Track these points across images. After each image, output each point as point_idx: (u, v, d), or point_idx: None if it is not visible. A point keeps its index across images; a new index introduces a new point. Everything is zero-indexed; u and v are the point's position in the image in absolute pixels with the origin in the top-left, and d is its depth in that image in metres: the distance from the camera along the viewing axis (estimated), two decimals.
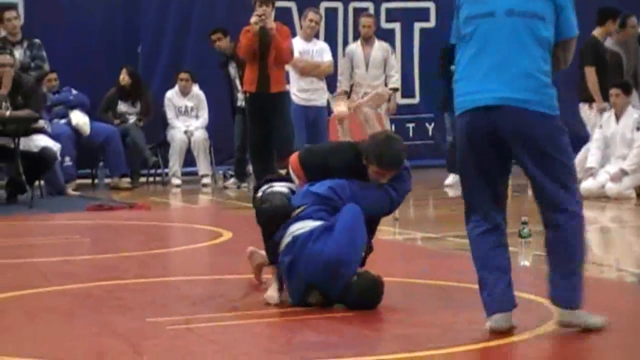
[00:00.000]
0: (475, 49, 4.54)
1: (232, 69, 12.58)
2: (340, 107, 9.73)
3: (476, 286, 5.73)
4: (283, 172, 5.73)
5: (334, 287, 5.16)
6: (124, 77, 12.94)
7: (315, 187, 5.42)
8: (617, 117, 10.51)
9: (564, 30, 4.62)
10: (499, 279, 4.65)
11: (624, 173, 10.28)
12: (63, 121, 12.59)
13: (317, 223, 5.25)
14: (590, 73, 11.23)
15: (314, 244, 5.17)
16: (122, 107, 13.07)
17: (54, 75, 12.79)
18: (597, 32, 11.55)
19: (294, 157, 5.63)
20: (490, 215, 4.68)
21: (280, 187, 5.53)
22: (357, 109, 11.14)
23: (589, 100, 11.22)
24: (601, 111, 11.09)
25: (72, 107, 12.74)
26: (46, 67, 12.37)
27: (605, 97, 10.98)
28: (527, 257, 6.53)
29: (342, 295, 5.18)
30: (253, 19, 10.83)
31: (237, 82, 12.35)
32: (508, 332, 4.57)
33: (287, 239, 5.27)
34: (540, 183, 4.60)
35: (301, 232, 5.23)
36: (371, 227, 5.43)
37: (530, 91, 4.50)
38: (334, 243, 5.14)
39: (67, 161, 12.15)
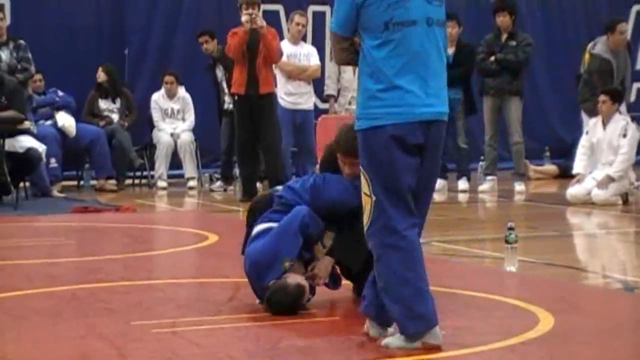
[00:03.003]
0: (405, 60, 4.39)
1: (219, 72, 12.55)
2: None
3: (463, 292, 5.76)
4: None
5: (259, 287, 5.26)
6: (100, 75, 12.92)
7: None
8: (604, 124, 10.53)
9: None
10: (430, 291, 4.50)
11: (610, 179, 10.30)
12: (49, 122, 12.54)
13: (266, 225, 5.34)
14: None
15: (251, 244, 5.33)
16: (102, 104, 13.03)
17: (39, 77, 12.74)
18: None
19: None
20: (417, 221, 4.49)
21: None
22: None
23: None
24: None
25: (58, 109, 12.69)
26: (32, 69, 12.30)
27: None
28: (513, 262, 6.53)
29: (262, 297, 5.23)
30: (244, 18, 10.84)
31: (224, 85, 12.33)
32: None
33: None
34: (429, 194, 4.58)
35: (253, 234, 5.39)
36: (349, 219, 5.32)
37: (447, 103, 4.54)
38: (260, 244, 5.26)
39: (53, 162, 12.10)
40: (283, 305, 5.11)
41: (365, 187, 4.47)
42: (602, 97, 10.51)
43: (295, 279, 5.14)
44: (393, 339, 4.48)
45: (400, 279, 4.39)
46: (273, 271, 5.17)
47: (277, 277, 5.16)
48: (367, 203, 4.46)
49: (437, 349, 4.41)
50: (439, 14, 4.49)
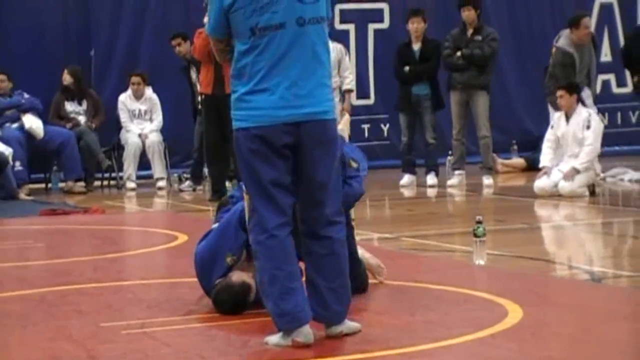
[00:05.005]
0: (271, 63, 4.43)
1: (194, 74, 12.51)
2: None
3: (433, 286, 5.79)
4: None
5: (208, 286, 5.26)
6: (65, 77, 12.86)
7: None
8: (567, 117, 10.61)
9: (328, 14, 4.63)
10: (302, 288, 4.52)
11: (576, 171, 10.38)
12: (15, 125, 12.47)
13: (215, 225, 5.40)
14: None
15: (198, 245, 5.38)
16: (68, 106, 12.97)
17: (4, 77, 12.68)
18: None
19: None
20: (291, 219, 4.51)
21: None
22: None
23: None
24: None
25: (25, 111, 12.62)
26: None
27: None
28: (482, 256, 6.57)
29: (210, 295, 5.25)
30: (206, 19, 10.82)
31: (199, 86, 12.30)
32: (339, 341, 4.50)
33: None
34: (325, 190, 4.51)
35: (204, 234, 5.43)
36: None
37: (327, 100, 4.53)
38: (204, 242, 5.31)
39: (18, 166, 12.05)
40: (228, 304, 5.09)
41: (244, 185, 4.61)
42: (559, 93, 10.61)
43: (240, 276, 5.12)
44: (273, 336, 4.51)
45: (270, 277, 4.46)
46: (217, 268, 5.18)
47: (223, 274, 5.16)
48: (245, 200, 4.62)
49: (307, 347, 4.41)
50: (313, 11, 4.48)
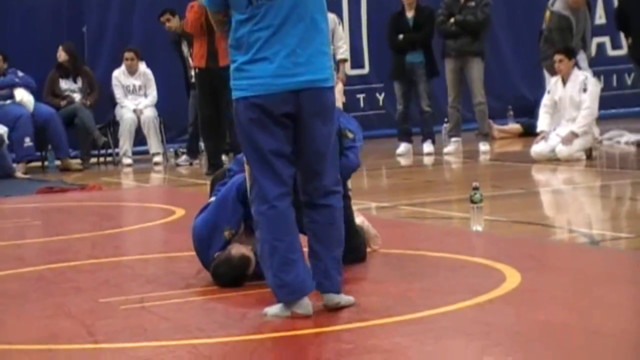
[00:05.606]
0: (269, 32, 4.42)
1: (185, 48, 12.47)
2: None
3: (431, 253, 5.79)
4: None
5: (206, 260, 5.25)
6: (60, 54, 12.82)
7: None
8: (564, 81, 10.58)
9: None
10: (302, 260, 4.51)
11: (574, 135, 10.37)
12: (9, 102, 12.44)
13: (212, 198, 5.39)
14: None
15: (196, 218, 5.36)
16: (63, 84, 12.93)
17: None
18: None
19: None
20: (291, 190, 4.51)
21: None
22: None
23: None
24: None
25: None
26: None
27: None
28: (479, 222, 6.57)
29: (208, 269, 5.24)
30: None
31: (190, 60, 12.26)
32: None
33: None
34: (323, 159, 4.51)
35: (201, 208, 5.41)
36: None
37: (325, 68, 4.52)
38: (201, 217, 5.30)
39: (28, 141, 12.07)
40: (227, 277, 5.10)
41: (244, 155, 4.60)
42: (557, 57, 10.57)
43: (239, 250, 5.12)
44: (272, 307, 4.51)
45: (270, 248, 4.46)
46: (216, 242, 5.18)
47: (221, 248, 5.16)
48: (246, 170, 4.62)
49: (307, 318, 4.41)
50: None
